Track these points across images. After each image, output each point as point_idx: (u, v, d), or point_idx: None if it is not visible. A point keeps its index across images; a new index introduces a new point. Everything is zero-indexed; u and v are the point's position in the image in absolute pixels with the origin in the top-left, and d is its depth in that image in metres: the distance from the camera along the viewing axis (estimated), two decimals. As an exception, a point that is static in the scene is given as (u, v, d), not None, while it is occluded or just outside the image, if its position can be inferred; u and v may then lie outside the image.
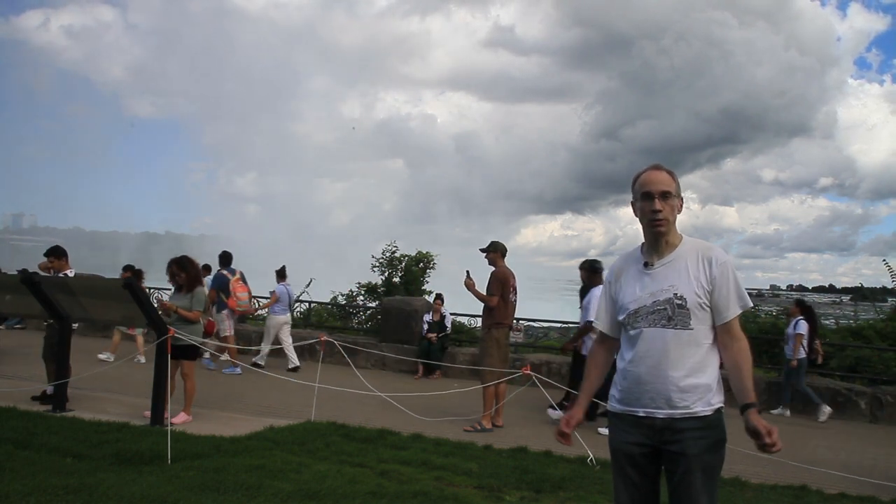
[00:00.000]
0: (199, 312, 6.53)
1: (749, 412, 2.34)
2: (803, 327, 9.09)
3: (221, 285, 10.40)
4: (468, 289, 7.37)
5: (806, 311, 9.35)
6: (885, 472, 6.15)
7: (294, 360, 10.44)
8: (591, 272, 7.82)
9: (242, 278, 10.78)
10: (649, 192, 2.50)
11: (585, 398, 2.70)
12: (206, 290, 6.69)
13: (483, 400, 7.29)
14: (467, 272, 7.34)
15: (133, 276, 9.98)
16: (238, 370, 9.93)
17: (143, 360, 10.11)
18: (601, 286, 7.93)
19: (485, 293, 7.33)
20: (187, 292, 6.53)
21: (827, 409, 8.86)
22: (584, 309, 7.81)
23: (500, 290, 7.25)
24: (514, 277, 7.46)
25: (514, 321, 11.40)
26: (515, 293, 7.48)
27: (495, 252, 7.40)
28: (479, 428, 7.10)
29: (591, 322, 7.58)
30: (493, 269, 7.43)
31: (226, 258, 10.76)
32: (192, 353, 6.48)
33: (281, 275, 10.94)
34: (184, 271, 6.55)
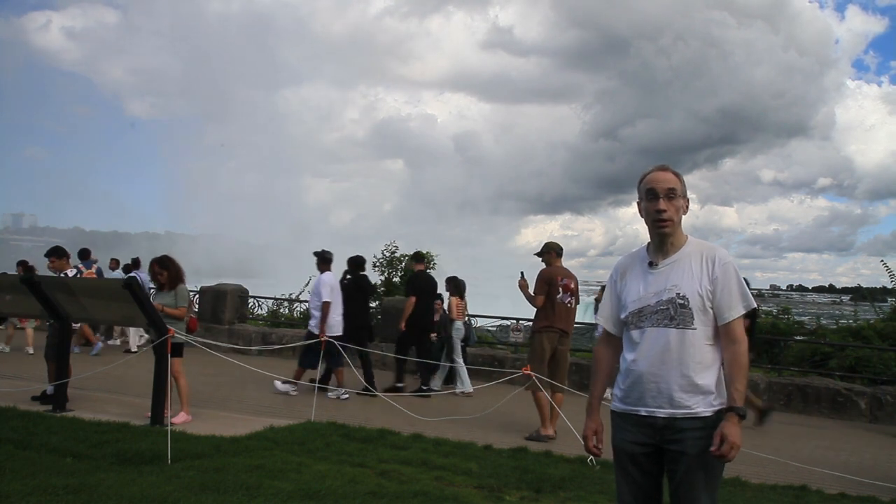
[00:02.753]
0: (185, 309, 6.55)
1: (728, 416, 2.35)
2: None
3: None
4: (521, 290, 7.09)
5: None
6: (885, 472, 6.15)
7: (134, 343, 11.34)
8: (321, 261, 8.65)
9: (98, 272, 11.62)
10: (654, 191, 2.51)
11: (597, 403, 2.68)
12: (187, 286, 6.72)
13: (538, 408, 6.90)
14: (521, 273, 7.09)
15: (27, 271, 10.35)
16: (98, 347, 10.85)
17: (31, 350, 10.53)
18: (329, 273, 8.62)
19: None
20: (170, 290, 6.57)
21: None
22: (312, 293, 8.65)
23: (546, 290, 6.87)
24: (569, 278, 7.00)
25: (516, 322, 11.67)
26: (573, 295, 7.01)
27: (549, 253, 7.09)
28: (535, 436, 6.79)
29: (327, 302, 8.34)
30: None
31: (84, 253, 11.62)
32: (178, 349, 6.47)
33: (135, 264, 12.21)
34: (165, 270, 6.59)
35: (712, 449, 2.31)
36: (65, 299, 6.87)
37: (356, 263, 9.03)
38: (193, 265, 10.06)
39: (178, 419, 6.29)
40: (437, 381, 9.34)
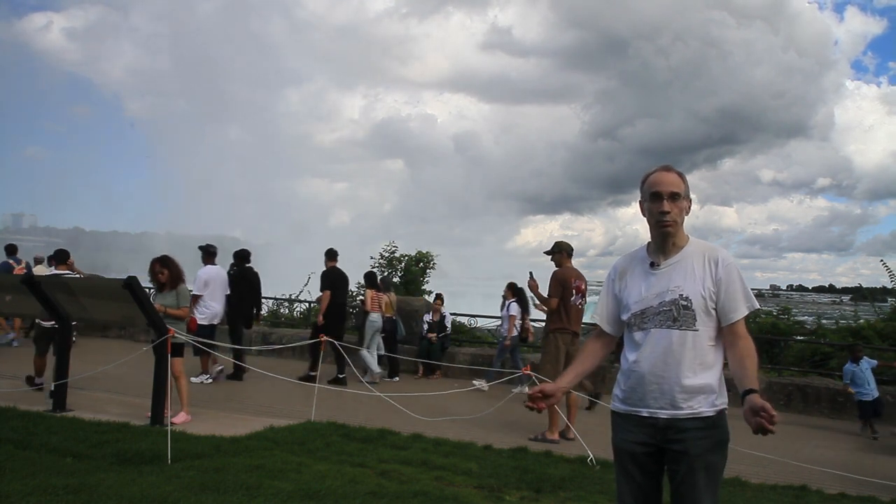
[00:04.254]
0: (187, 309, 6.56)
1: (752, 395, 2.24)
2: (515, 308, 9.81)
3: (4, 273, 11.22)
4: (531, 290, 7.10)
5: (517, 293, 9.94)
6: (885, 472, 6.15)
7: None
8: (205, 254, 9.32)
9: (28, 267, 12.00)
10: (658, 192, 2.51)
11: (569, 379, 2.69)
12: (188, 287, 6.75)
13: (547, 411, 7.00)
14: (531, 273, 7.10)
15: None
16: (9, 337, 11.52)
17: None
18: (210, 266, 9.17)
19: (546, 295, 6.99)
20: (171, 290, 6.58)
21: (522, 387, 9.28)
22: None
23: (560, 292, 6.88)
24: (581, 279, 7.03)
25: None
26: (583, 296, 7.05)
27: (560, 253, 7.07)
28: (540, 438, 6.77)
29: (197, 295, 8.79)
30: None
31: (10, 249, 12.19)
32: (178, 350, 6.48)
33: (39, 260, 12.65)
34: (167, 269, 6.60)
35: (762, 420, 2.14)
36: (65, 299, 6.87)
37: (241, 256, 9.80)
38: (193, 265, 10.17)
39: (178, 419, 6.29)
40: (376, 371, 9.88)
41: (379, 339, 10.14)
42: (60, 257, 8.66)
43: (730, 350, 2.45)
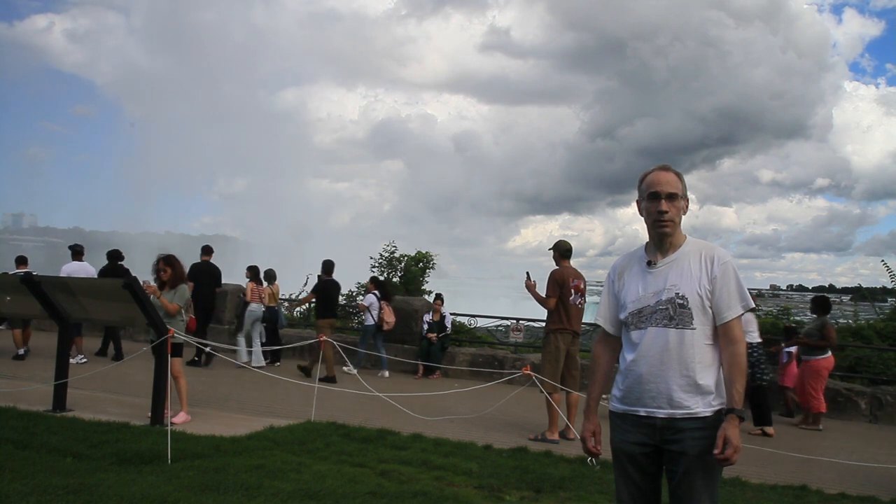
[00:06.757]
0: (178, 306, 6.58)
1: (728, 418, 2.35)
2: (369, 299, 10.98)
3: None
4: (529, 290, 7.09)
5: (379, 286, 11.29)
6: (885, 472, 6.15)
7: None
8: (73, 253, 10.38)
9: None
10: (656, 193, 2.51)
11: (595, 404, 2.68)
12: (187, 288, 6.79)
13: (547, 411, 6.92)
14: (528, 273, 7.09)
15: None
16: None
17: None
18: (74, 263, 10.04)
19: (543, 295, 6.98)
20: (171, 288, 6.61)
21: (386, 373, 10.63)
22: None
23: (558, 291, 6.87)
24: (579, 279, 7.01)
25: (516, 322, 11.74)
26: (582, 295, 7.05)
27: (557, 251, 7.08)
28: (540, 438, 6.77)
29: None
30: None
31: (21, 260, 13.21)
32: (177, 350, 6.49)
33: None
34: (170, 266, 6.64)
35: (715, 452, 2.31)
36: (65, 299, 6.87)
37: (113, 256, 10.67)
38: (191, 263, 10.30)
39: (178, 419, 6.29)
40: (257, 359, 10.58)
41: (260, 328, 10.85)
42: (21, 260, 10.73)
43: (722, 354, 2.45)
